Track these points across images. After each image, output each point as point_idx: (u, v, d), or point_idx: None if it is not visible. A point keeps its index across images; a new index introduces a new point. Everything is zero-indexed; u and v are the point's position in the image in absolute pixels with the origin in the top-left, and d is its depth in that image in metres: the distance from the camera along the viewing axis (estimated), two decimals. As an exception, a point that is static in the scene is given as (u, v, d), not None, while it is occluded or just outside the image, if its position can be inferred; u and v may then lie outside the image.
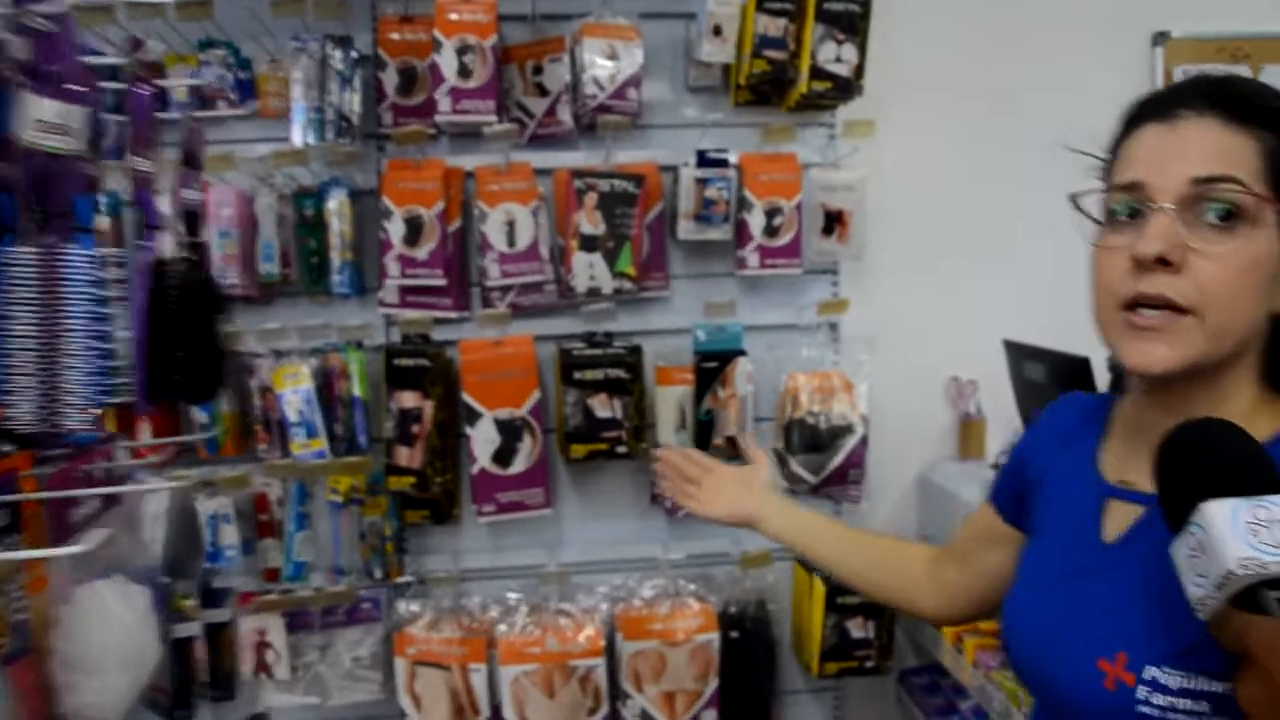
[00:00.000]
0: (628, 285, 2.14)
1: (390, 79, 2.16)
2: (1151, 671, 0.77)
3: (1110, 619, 0.83)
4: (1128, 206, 0.82)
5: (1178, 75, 2.46)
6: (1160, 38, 2.45)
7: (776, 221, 2.18)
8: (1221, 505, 0.60)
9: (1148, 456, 0.74)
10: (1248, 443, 0.65)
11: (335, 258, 2.14)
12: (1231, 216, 0.78)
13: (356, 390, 2.14)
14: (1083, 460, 0.94)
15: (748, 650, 2.19)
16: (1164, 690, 0.76)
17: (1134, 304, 0.80)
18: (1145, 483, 0.80)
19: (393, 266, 2.13)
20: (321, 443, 2.12)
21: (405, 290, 2.16)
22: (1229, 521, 0.59)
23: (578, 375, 2.11)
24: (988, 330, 2.09)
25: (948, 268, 2.32)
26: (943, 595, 1.17)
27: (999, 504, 1.08)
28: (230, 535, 2.15)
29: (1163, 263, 0.78)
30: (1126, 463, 0.89)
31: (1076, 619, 0.86)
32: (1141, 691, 0.77)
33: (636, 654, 2.12)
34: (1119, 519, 0.87)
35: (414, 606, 2.16)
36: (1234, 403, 0.83)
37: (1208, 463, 0.65)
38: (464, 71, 2.06)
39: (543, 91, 2.18)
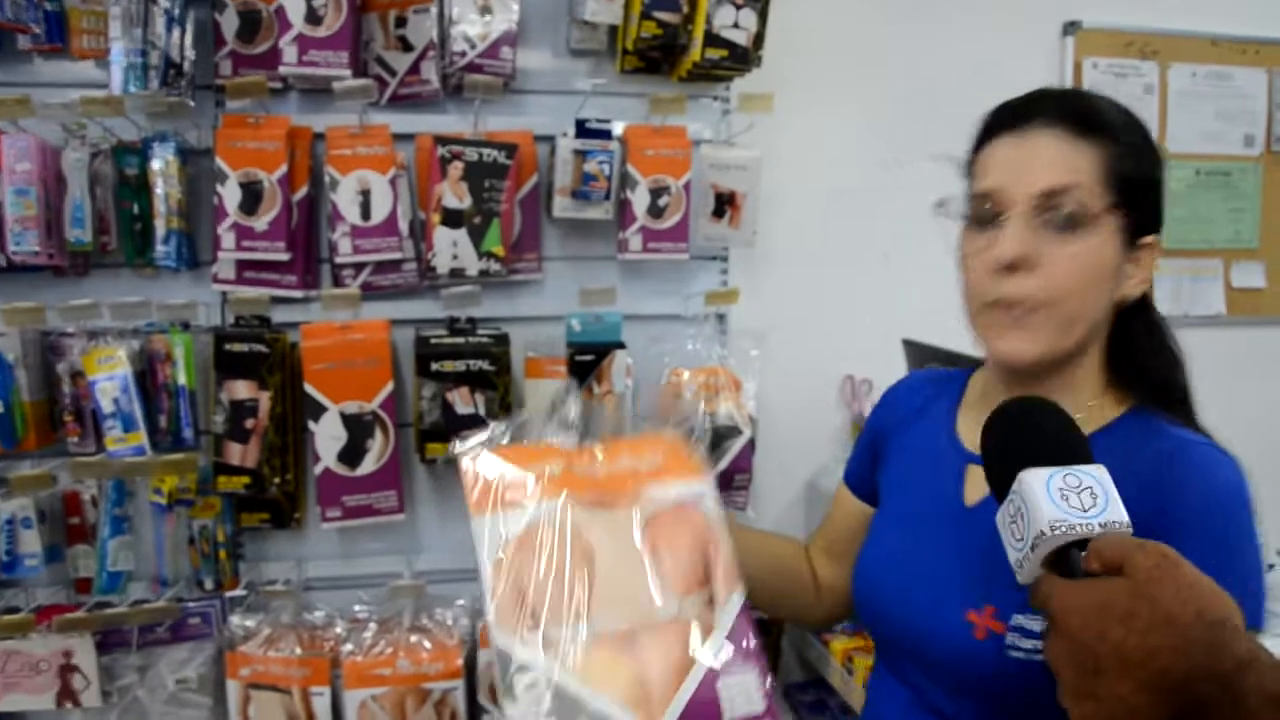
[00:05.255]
0: (495, 266, 1.92)
1: (230, 22, 1.89)
2: (1018, 619, 0.87)
3: (975, 575, 0.91)
4: (985, 212, 0.91)
5: (1087, 67, 2.39)
6: (1071, 27, 2.39)
7: (662, 201, 1.99)
8: (1038, 473, 0.66)
9: None
10: (1062, 418, 0.71)
11: (160, 225, 1.86)
12: (1074, 221, 0.88)
13: (182, 378, 1.88)
14: (940, 429, 1.04)
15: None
16: (1030, 635, 0.86)
17: (997, 304, 0.90)
18: None
19: (227, 238, 1.87)
20: (140, 437, 1.85)
21: (243, 265, 1.91)
22: (1043, 487, 0.65)
23: (436, 366, 1.88)
24: (886, 327, 1.98)
25: (845, 259, 2.19)
26: (825, 596, 1.19)
27: (854, 485, 1.17)
28: (31, 541, 1.87)
29: (1017, 265, 0.88)
30: None
31: (941, 576, 0.95)
32: (1010, 638, 0.87)
33: (499, 674, 1.93)
34: (978, 484, 0.94)
35: (249, 622, 1.92)
36: (1081, 392, 0.94)
37: (1026, 436, 0.71)
38: (313, 17, 1.81)
39: (406, 46, 1.94)
